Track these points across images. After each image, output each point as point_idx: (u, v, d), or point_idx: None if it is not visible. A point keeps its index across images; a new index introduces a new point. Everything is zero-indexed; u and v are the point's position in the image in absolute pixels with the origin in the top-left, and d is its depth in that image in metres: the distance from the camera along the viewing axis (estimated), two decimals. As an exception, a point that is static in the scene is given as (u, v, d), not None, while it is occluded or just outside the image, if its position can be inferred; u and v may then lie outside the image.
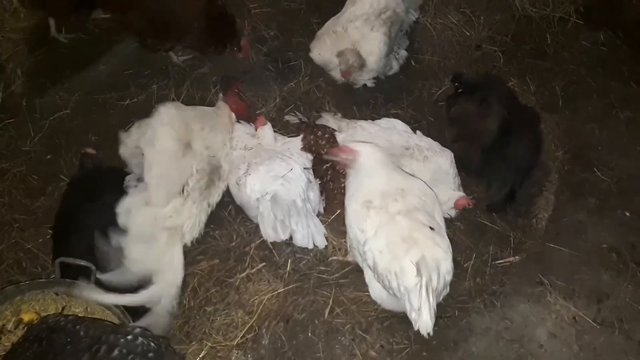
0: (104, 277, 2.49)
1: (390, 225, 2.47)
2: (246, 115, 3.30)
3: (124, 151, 2.98)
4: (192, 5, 3.45)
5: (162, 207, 2.76)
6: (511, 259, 2.99)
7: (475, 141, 3.21)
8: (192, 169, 2.86)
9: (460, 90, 3.42)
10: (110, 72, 3.77)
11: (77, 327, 1.88)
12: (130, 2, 3.43)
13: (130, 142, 2.96)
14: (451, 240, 2.62)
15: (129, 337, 1.88)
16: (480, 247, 3.03)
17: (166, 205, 2.77)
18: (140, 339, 1.88)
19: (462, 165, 3.15)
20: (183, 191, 2.81)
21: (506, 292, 2.84)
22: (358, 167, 2.68)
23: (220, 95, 3.25)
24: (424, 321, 2.29)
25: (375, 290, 2.64)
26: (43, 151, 3.37)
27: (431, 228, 2.48)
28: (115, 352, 1.83)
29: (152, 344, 1.89)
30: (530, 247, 3.03)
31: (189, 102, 3.54)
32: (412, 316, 2.35)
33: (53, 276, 2.54)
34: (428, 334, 2.30)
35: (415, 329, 2.32)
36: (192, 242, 2.89)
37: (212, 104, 3.50)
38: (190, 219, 2.84)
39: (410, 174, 2.84)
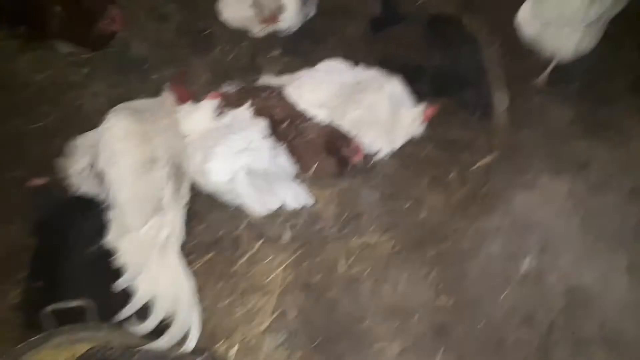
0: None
1: None
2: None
3: (75, 180, 2.62)
4: None
5: (139, 229, 2.42)
6: (488, 158, 3.03)
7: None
8: (162, 181, 2.50)
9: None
10: (9, 96, 3.26)
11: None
12: None
13: (78, 168, 2.61)
14: (427, 159, 2.96)
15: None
16: (455, 157, 3.04)
17: (143, 225, 2.42)
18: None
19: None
20: (160, 206, 2.47)
21: (498, 189, 2.88)
22: None
23: (167, 84, 2.91)
24: None
25: None
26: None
27: None
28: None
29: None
30: (500, 142, 3.06)
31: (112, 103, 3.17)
32: None
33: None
34: None
35: None
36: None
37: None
38: (173, 227, 2.50)
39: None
